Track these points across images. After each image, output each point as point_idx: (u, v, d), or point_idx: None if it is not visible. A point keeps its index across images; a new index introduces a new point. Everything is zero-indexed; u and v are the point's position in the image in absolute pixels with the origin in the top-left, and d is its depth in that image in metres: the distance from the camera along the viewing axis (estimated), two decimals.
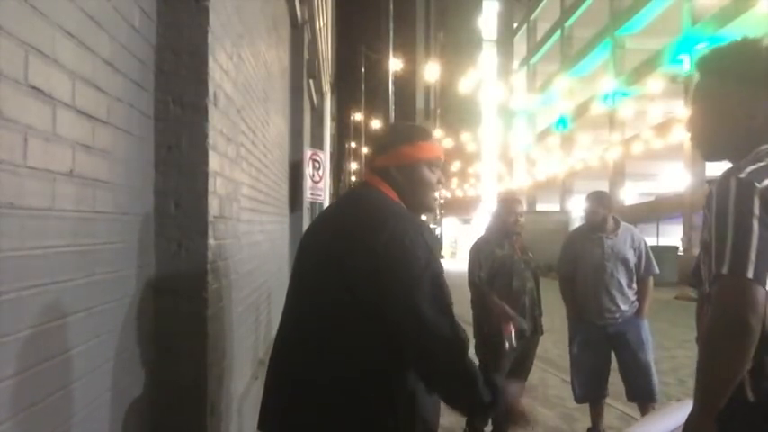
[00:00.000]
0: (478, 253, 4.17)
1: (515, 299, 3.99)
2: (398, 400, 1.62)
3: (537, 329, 4.17)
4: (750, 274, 1.34)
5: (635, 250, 4.27)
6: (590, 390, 4.35)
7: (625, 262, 4.23)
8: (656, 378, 4.19)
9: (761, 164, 1.46)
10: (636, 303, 4.26)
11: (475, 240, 4.34)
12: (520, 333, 3.91)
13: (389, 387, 1.61)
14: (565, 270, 4.52)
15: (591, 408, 4.43)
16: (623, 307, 4.20)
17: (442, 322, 1.57)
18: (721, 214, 1.42)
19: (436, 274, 1.60)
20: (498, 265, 4.05)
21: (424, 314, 1.55)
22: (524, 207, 4.42)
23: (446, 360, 1.60)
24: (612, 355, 4.31)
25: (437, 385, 1.68)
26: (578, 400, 4.47)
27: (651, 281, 4.35)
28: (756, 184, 1.40)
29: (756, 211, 1.38)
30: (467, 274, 4.20)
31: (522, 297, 4.04)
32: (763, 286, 1.35)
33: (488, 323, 3.99)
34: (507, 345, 3.83)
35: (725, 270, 1.37)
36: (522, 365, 4.21)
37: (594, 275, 4.25)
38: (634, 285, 4.27)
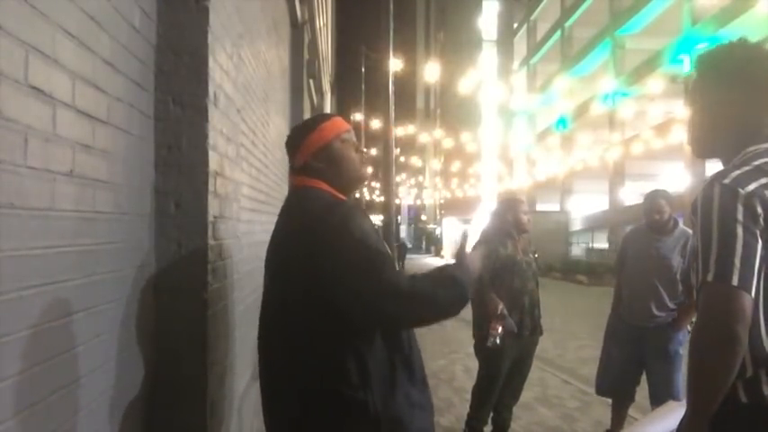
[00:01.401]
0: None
1: (516, 299, 3.98)
2: (372, 378, 1.68)
3: (536, 330, 4.17)
4: (735, 282, 1.34)
5: (685, 258, 4.01)
6: (611, 384, 4.30)
7: (667, 267, 4.02)
8: (676, 393, 3.98)
9: (747, 168, 1.45)
10: (675, 312, 4.05)
11: (477, 239, 4.32)
12: (510, 334, 3.88)
13: (359, 367, 1.67)
14: (615, 267, 4.47)
15: (613, 407, 4.38)
16: (656, 312, 4.04)
17: (374, 279, 1.63)
18: (706, 221, 1.41)
19: (348, 231, 1.66)
20: (500, 265, 4.03)
21: (361, 277, 1.63)
22: (527, 206, 4.34)
23: (398, 310, 1.66)
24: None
25: (406, 327, 1.78)
26: (597, 391, 4.45)
27: None
28: (740, 190, 1.39)
29: (740, 217, 1.37)
30: None
31: (523, 297, 4.03)
32: (749, 293, 1.35)
33: (487, 323, 3.97)
34: (490, 342, 3.80)
35: (710, 278, 1.37)
36: (521, 365, 4.21)
37: (634, 275, 4.16)
38: (679, 294, 4.05)
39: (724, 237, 1.37)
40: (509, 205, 4.26)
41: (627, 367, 4.21)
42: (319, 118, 1.97)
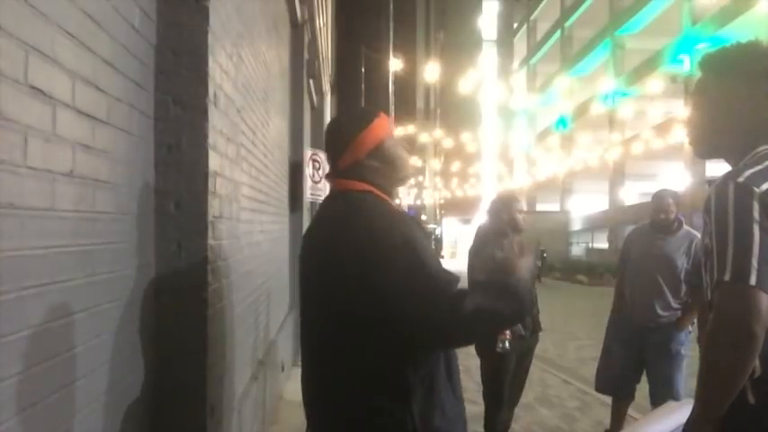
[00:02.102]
0: (477, 256, 4.09)
1: None
2: (411, 391, 1.62)
3: (536, 329, 4.16)
4: (753, 281, 1.33)
5: (689, 258, 4.02)
6: (610, 382, 4.31)
7: (671, 267, 4.02)
8: (676, 392, 3.98)
9: (759, 167, 1.44)
10: (678, 312, 4.05)
11: (473, 242, 4.27)
12: (517, 337, 3.88)
13: (400, 383, 1.62)
14: (620, 265, 4.44)
15: (613, 407, 4.38)
16: (660, 312, 4.04)
17: (422, 290, 1.55)
18: (721, 220, 1.40)
19: (408, 249, 1.59)
20: (498, 269, 3.97)
21: (406, 293, 1.55)
22: (524, 205, 4.27)
23: (448, 323, 1.57)
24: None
25: (459, 344, 1.72)
26: (597, 388, 4.47)
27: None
28: (755, 189, 1.38)
29: (756, 215, 1.36)
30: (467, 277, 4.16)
31: None
32: (767, 292, 1.33)
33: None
34: (500, 347, 3.80)
35: (727, 277, 1.36)
36: (522, 364, 4.21)
37: (638, 274, 4.15)
38: (682, 294, 4.05)
39: (740, 235, 1.36)
40: (504, 204, 4.15)
41: (627, 366, 4.21)
42: (369, 115, 1.82)
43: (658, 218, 4.11)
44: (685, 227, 4.17)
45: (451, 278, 1.66)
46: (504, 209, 4.09)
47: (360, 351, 1.62)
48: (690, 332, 4.13)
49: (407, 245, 1.59)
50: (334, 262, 1.64)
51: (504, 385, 4.10)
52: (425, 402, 1.63)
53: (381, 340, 1.60)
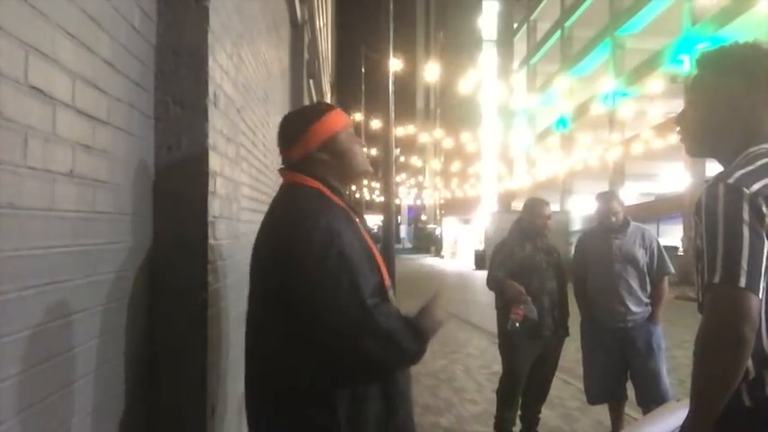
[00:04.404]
0: (497, 254, 4.29)
1: (535, 298, 4.04)
2: (337, 400, 1.60)
3: (558, 330, 4.22)
4: (742, 284, 1.33)
5: (646, 250, 4.14)
6: (603, 391, 4.32)
7: (634, 262, 4.11)
8: (665, 386, 4.08)
9: (750, 167, 1.44)
10: (649, 307, 4.14)
11: (501, 239, 4.48)
12: (531, 331, 3.98)
13: (325, 387, 1.61)
14: (576, 271, 4.45)
15: (609, 409, 4.41)
16: (634, 309, 4.10)
17: (344, 302, 1.56)
18: (711, 221, 1.40)
19: (338, 254, 1.58)
20: (518, 267, 4.12)
21: (324, 296, 1.57)
22: (549, 209, 4.37)
23: (355, 338, 1.56)
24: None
25: (360, 364, 1.62)
26: (591, 401, 4.47)
27: (666, 282, 4.21)
28: (745, 190, 1.38)
29: (746, 217, 1.36)
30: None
31: (542, 297, 4.10)
32: (757, 294, 1.33)
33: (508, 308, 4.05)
34: (509, 325, 3.90)
35: (717, 279, 1.35)
36: (543, 365, 4.27)
37: (603, 277, 4.18)
38: (648, 287, 4.15)
39: (730, 237, 1.36)
40: (527, 207, 4.37)
41: (613, 371, 4.24)
42: (321, 107, 1.88)
43: (609, 221, 4.19)
44: (633, 223, 4.27)
45: (379, 290, 1.64)
46: (526, 212, 4.29)
47: (284, 358, 1.63)
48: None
49: (340, 261, 1.58)
50: (264, 255, 1.70)
51: (515, 384, 4.21)
52: (355, 407, 1.60)
53: (303, 349, 1.60)
